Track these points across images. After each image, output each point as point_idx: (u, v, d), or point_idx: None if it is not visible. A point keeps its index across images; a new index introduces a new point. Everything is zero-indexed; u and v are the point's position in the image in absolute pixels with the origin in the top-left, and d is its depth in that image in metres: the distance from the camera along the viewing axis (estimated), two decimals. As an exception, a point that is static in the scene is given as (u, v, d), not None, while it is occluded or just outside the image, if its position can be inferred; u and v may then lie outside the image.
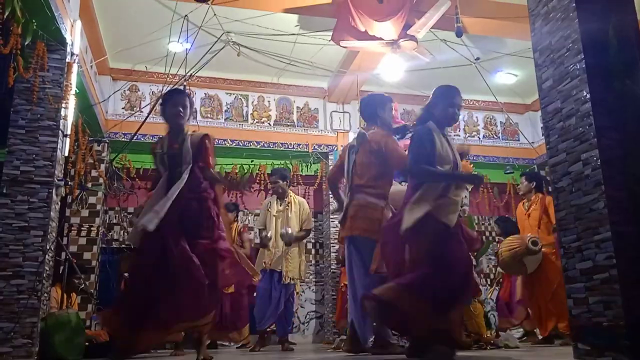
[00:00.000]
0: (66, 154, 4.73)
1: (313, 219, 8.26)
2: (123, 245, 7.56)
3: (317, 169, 8.18)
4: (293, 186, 7.82)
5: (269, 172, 5.80)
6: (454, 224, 2.96)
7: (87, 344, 4.40)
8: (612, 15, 2.54)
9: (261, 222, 5.52)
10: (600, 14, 2.56)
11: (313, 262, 8.02)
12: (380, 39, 5.56)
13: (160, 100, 3.24)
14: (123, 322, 2.90)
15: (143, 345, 3.04)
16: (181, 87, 6.27)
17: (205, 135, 3.32)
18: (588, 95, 2.46)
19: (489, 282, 8.73)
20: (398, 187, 4.36)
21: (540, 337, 5.22)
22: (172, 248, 2.96)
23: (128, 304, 3.02)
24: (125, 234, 7.62)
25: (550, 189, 2.98)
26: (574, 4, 2.59)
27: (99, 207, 7.08)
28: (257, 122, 7.96)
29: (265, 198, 6.76)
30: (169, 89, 6.39)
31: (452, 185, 3.03)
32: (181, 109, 3.24)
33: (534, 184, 5.34)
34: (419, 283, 2.78)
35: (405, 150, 3.72)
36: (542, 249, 4.95)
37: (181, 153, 3.17)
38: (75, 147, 5.77)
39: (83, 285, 5.74)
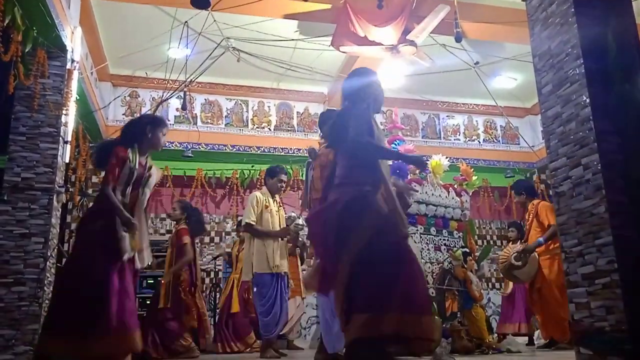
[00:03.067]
0: (67, 161, 4.73)
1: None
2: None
3: (317, 174, 8.17)
4: (293, 191, 7.84)
5: (272, 169, 5.34)
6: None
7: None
8: (611, 19, 2.54)
9: (256, 218, 4.91)
10: (599, 19, 2.56)
11: (314, 267, 8.01)
12: (380, 44, 5.57)
13: (151, 121, 3.32)
14: None
15: None
16: (181, 93, 6.31)
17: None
18: (588, 100, 2.47)
19: (490, 287, 8.73)
20: None
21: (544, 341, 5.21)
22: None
23: None
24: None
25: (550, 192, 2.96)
26: (572, 9, 2.59)
27: (99, 213, 7.07)
28: (257, 127, 7.98)
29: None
30: (169, 94, 6.46)
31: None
32: (164, 142, 3.37)
33: (524, 195, 5.32)
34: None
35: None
36: (540, 257, 4.94)
37: (149, 177, 3.24)
38: (75, 154, 5.78)
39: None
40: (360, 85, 2.79)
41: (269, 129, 8.02)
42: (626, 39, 2.54)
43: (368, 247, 2.35)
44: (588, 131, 2.45)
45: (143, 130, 3.24)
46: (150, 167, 3.26)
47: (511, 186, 5.79)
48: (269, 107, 8.10)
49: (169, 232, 7.78)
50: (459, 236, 5.09)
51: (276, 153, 7.84)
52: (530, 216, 5.16)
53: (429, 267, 4.72)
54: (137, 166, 3.13)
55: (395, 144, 5.27)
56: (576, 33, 2.57)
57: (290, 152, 7.92)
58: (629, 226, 2.31)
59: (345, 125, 2.59)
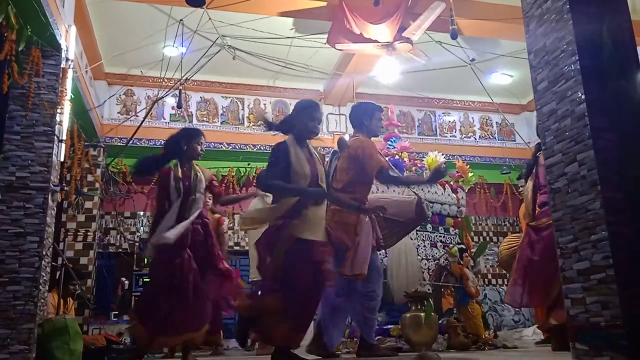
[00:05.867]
0: (62, 160, 4.71)
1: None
2: (119, 250, 7.54)
3: (313, 172, 8.17)
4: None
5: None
6: (311, 239, 3.03)
7: (84, 349, 4.39)
8: (606, 16, 2.55)
9: None
10: (594, 16, 2.56)
11: (311, 264, 8.02)
12: (376, 41, 5.58)
13: (184, 135, 3.86)
14: (146, 329, 3.37)
15: (156, 348, 3.65)
16: (176, 91, 6.29)
17: (213, 174, 4.18)
18: (583, 97, 2.47)
19: (486, 283, 8.75)
20: (379, 195, 4.36)
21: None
22: (185, 265, 3.41)
23: (151, 312, 3.41)
24: (122, 238, 7.60)
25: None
26: (568, 6, 2.59)
27: (95, 211, 7.05)
28: (253, 125, 7.97)
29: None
30: (164, 93, 6.44)
31: (307, 201, 3.08)
32: (202, 149, 3.87)
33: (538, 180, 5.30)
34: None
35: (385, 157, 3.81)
36: None
37: (195, 183, 3.68)
38: (71, 153, 5.75)
39: (80, 291, 5.71)
40: None
41: (265, 126, 8.00)
42: (621, 36, 2.54)
43: None
44: (583, 127, 2.45)
45: (179, 145, 3.72)
46: (196, 174, 3.71)
47: (521, 174, 5.76)
48: (264, 104, 8.09)
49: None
50: (455, 233, 5.11)
51: (272, 151, 7.83)
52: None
53: (425, 264, 4.73)
54: (181, 178, 3.60)
55: (391, 141, 5.29)
56: (571, 30, 2.57)
57: (286, 149, 7.90)
58: (624, 222, 2.32)
59: None
